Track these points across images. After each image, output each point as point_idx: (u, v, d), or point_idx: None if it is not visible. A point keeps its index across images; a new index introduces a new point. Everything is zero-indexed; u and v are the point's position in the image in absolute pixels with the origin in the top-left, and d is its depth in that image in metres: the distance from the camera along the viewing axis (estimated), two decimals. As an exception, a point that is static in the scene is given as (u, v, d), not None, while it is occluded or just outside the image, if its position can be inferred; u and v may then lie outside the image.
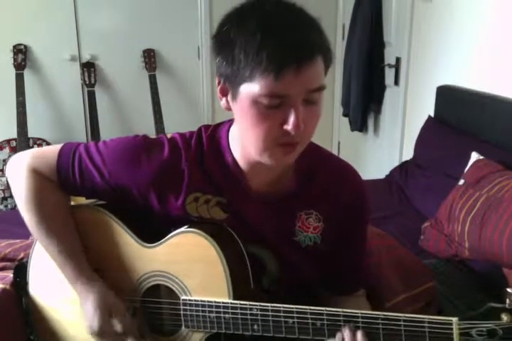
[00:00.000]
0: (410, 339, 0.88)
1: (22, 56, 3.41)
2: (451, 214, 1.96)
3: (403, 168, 2.73)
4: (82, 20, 3.56)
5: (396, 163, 3.01)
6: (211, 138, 1.05)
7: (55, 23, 3.50)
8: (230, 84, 0.91)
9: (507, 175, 1.87)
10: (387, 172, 2.87)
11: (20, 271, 1.20)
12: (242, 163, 1.03)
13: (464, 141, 2.32)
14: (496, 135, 2.17)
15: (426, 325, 0.87)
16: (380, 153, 3.49)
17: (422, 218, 2.25)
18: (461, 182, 2.02)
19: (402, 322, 0.88)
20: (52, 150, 1.09)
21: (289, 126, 0.87)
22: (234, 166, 1.03)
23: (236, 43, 0.85)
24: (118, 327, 1.03)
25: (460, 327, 0.85)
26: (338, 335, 0.92)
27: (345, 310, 0.92)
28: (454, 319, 0.86)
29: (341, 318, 0.92)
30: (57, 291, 1.15)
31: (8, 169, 1.12)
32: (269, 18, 0.86)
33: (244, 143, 0.98)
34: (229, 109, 0.95)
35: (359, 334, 0.90)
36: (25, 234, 1.65)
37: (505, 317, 0.83)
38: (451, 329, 0.85)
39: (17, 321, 1.21)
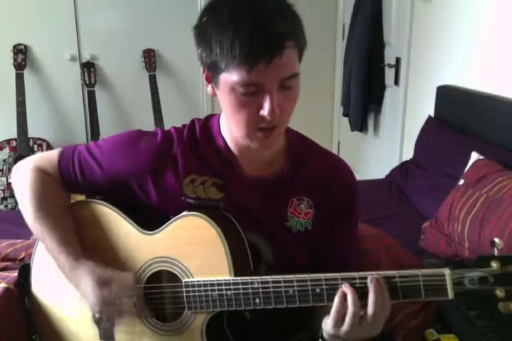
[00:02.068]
0: (406, 293, 0.91)
1: (22, 56, 3.41)
2: (451, 214, 1.96)
3: (403, 168, 2.73)
4: (82, 20, 3.56)
5: (396, 163, 3.01)
6: (204, 126, 1.12)
7: (55, 23, 3.51)
8: (211, 73, 0.97)
9: (507, 175, 1.87)
10: (387, 172, 2.87)
11: (25, 271, 1.20)
12: (232, 147, 1.08)
13: (464, 141, 2.32)
14: (496, 135, 2.18)
15: (420, 278, 0.89)
16: (380, 153, 3.49)
17: (422, 218, 2.25)
18: (461, 182, 2.02)
19: (397, 279, 0.91)
20: (54, 152, 1.15)
21: (264, 112, 0.93)
22: (226, 150, 1.08)
23: (212, 36, 0.91)
24: (117, 292, 1.02)
25: (453, 277, 0.88)
26: (338, 295, 0.92)
27: (342, 273, 0.94)
28: (446, 270, 0.88)
29: (339, 282, 0.93)
30: (59, 291, 1.16)
31: (13, 174, 1.17)
32: (240, 9, 0.91)
33: (230, 128, 1.05)
34: (214, 94, 1.02)
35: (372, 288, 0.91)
36: (26, 234, 1.66)
37: (494, 265, 0.86)
38: (445, 280, 0.88)
39: (19, 320, 1.21)
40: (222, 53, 0.90)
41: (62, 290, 1.14)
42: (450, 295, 0.88)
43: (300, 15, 0.96)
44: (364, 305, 0.91)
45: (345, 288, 0.92)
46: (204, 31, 0.94)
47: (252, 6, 0.92)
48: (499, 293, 0.86)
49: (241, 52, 0.88)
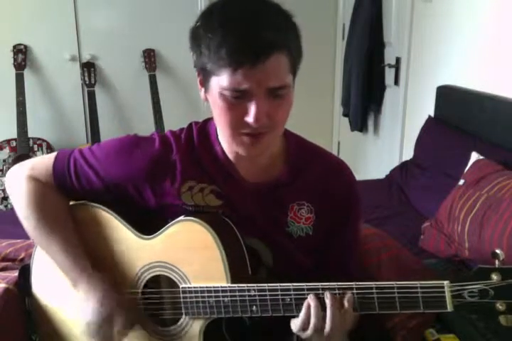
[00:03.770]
0: (404, 305, 0.90)
1: (22, 56, 3.41)
2: (451, 214, 1.96)
3: (403, 168, 2.73)
4: (82, 20, 3.56)
5: (396, 163, 3.01)
6: (201, 132, 1.11)
7: (55, 23, 3.50)
8: (203, 77, 0.98)
9: (507, 175, 1.87)
10: (387, 172, 2.87)
11: (26, 272, 1.20)
12: (229, 153, 1.07)
13: (464, 141, 2.32)
14: (496, 135, 2.17)
15: (419, 290, 0.88)
16: (380, 153, 3.49)
17: (422, 218, 2.25)
18: (461, 182, 2.02)
19: (395, 290, 0.90)
20: (48, 157, 1.14)
21: (249, 119, 0.93)
22: (223, 157, 1.08)
23: (202, 39, 0.93)
24: (117, 325, 1.04)
25: (452, 289, 0.86)
26: (305, 306, 0.94)
27: (339, 283, 0.93)
28: (446, 282, 0.87)
29: (336, 291, 0.93)
30: (60, 292, 1.16)
31: (7, 180, 1.15)
32: (233, 16, 0.92)
33: (220, 133, 1.05)
34: (206, 99, 1.02)
35: (328, 300, 0.92)
36: (26, 234, 1.66)
37: (495, 277, 0.84)
38: (444, 292, 0.87)
39: (19, 321, 1.21)
40: (209, 55, 0.91)
41: (63, 291, 1.14)
42: (449, 307, 0.87)
43: (299, 28, 0.96)
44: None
45: (310, 299, 0.93)
46: (196, 35, 0.95)
47: (244, 13, 0.92)
48: (500, 306, 0.84)
49: (226, 54, 0.89)
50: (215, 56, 0.90)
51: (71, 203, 1.16)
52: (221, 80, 0.92)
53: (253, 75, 0.89)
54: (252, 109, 0.92)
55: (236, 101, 0.93)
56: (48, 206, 1.11)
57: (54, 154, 1.14)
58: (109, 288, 1.06)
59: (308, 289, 0.94)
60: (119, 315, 1.04)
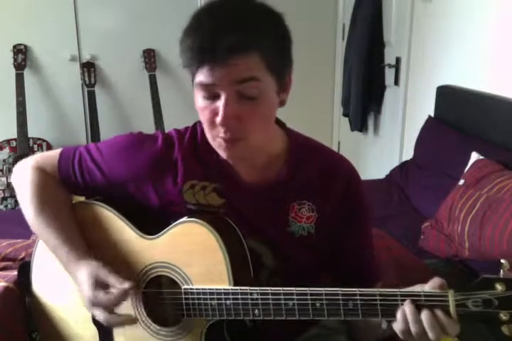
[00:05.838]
0: None
1: (22, 56, 3.41)
2: (451, 214, 1.96)
3: (403, 168, 2.73)
4: (82, 20, 3.56)
5: (396, 163, 3.01)
6: (204, 132, 1.09)
7: (55, 23, 3.51)
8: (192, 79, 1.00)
9: (507, 175, 1.87)
10: (387, 172, 2.87)
11: (25, 270, 1.20)
12: None
13: (464, 141, 2.32)
14: (496, 135, 2.18)
15: (422, 298, 0.88)
16: (380, 153, 3.49)
17: (422, 218, 2.25)
18: (461, 182, 2.02)
19: (399, 298, 0.89)
20: (55, 152, 1.15)
21: (217, 119, 0.94)
22: (223, 158, 1.07)
23: (181, 42, 0.95)
24: (111, 300, 1.00)
25: (456, 298, 0.86)
26: (399, 313, 0.89)
27: (343, 288, 0.92)
28: (450, 291, 0.86)
29: (340, 297, 0.92)
30: (59, 290, 1.16)
31: (14, 171, 1.17)
32: (205, 20, 0.93)
33: None
34: None
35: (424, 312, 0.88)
36: (26, 233, 1.66)
37: (499, 287, 0.84)
38: (448, 301, 0.86)
39: (19, 319, 1.21)
40: (184, 56, 0.94)
41: (63, 289, 1.14)
42: (453, 317, 0.86)
43: (286, 28, 0.96)
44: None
45: (406, 307, 0.88)
46: (180, 39, 0.96)
47: (216, 18, 0.92)
48: (503, 316, 0.84)
49: (192, 54, 0.91)
50: (187, 56, 0.93)
51: (73, 202, 1.16)
52: (195, 78, 0.94)
53: (216, 71, 0.90)
54: (220, 108, 0.93)
55: (208, 101, 0.95)
56: (50, 194, 1.11)
57: (59, 149, 1.15)
58: (98, 264, 1.04)
59: (311, 294, 0.93)
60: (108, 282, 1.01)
